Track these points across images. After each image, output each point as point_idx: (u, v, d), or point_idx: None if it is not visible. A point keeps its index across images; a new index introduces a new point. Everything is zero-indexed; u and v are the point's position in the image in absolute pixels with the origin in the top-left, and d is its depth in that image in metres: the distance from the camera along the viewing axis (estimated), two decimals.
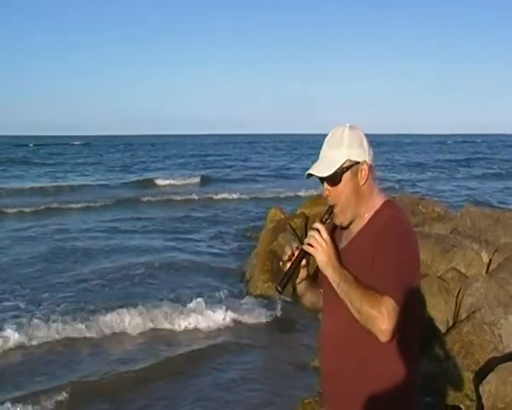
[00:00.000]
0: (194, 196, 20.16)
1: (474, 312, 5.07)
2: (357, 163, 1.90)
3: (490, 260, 6.36)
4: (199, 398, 5.10)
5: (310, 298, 2.14)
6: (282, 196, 20.03)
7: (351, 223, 1.95)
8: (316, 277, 2.08)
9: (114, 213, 16.29)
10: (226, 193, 20.93)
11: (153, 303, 7.28)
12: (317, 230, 1.88)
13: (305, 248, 1.90)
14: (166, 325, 6.86)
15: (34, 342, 6.28)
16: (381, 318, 1.69)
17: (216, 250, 11.19)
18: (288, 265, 1.95)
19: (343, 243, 1.98)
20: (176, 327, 6.85)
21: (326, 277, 1.87)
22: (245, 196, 20.30)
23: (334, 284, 1.82)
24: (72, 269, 9.53)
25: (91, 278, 8.83)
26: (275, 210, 10.09)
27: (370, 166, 1.93)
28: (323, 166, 1.91)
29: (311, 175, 1.94)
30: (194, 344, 6.36)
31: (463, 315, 5.33)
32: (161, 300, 7.49)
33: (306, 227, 9.08)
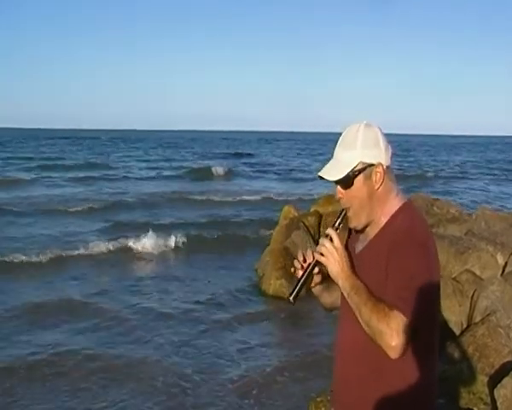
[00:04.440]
0: None
1: (488, 314, 5.01)
2: (372, 165, 1.78)
3: (505, 263, 6.27)
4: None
5: (327, 299, 2.06)
6: None
7: (366, 226, 1.85)
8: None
9: None
10: None
11: None
12: (330, 237, 1.81)
13: (317, 257, 1.82)
14: None
15: None
16: (390, 333, 1.62)
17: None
18: (300, 273, 1.88)
19: (359, 247, 1.88)
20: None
21: None
22: None
23: (345, 294, 1.76)
24: None
25: None
26: (288, 207, 10.08)
27: (387, 168, 1.80)
28: (334, 169, 1.80)
29: (322, 177, 1.83)
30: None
31: (478, 318, 5.26)
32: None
33: (320, 225, 9.02)
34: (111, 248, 10.12)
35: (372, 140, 1.78)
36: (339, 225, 1.86)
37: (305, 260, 1.88)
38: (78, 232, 11.79)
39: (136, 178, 24.31)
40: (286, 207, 10.19)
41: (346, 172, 1.77)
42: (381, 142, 1.79)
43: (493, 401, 4.19)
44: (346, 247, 1.85)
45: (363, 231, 1.87)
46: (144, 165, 32.03)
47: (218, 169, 26.71)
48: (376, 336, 1.65)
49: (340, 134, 1.85)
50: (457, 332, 5.35)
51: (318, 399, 4.49)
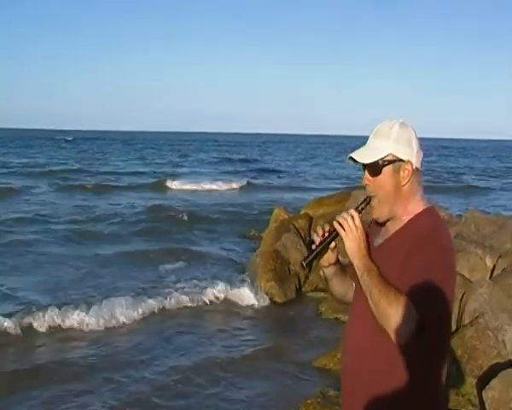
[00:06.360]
0: None
1: (477, 317, 5.04)
2: (401, 161, 1.82)
3: (494, 266, 6.35)
4: (200, 398, 5.04)
5: (337, 287, 2.07)
6: None
7: (387, 221, 1.89)
8: (347, 268, 2.01)
9: None
10: None
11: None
12: (351, 216, 1.84)
13: (336, 226, 1.84)
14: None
15: None
16: (397, 318, 1.66)
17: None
18: (317, 242, 1.90)
19: (377, 241, 1.92)
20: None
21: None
22: None
23: (358, 274, 1.80)
24: None
25: None
26: (279, 210, 10.04)
27: (416, 170, 1.84)
28: (365, 154, 1.85)
29: (352, 160, 1.87)
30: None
31: (466, 320, 5.29)
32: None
33: (310, 228, 9.05)
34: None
35: (405, 138, 1.83)
36: (362, 209, 1.88)
37: (323, 234, 1.90)
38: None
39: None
40: (276, 210, 10.15)
41: (376, 158, 1.82)
42: (414, 143, 1.84)
43: (482, 402, 4.25)
44: (367, 235, 1.87)
45: (383, 225, 1.91)
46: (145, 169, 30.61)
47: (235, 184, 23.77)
48: (383, 318, 1.69)
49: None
50: None
51: (309, 401, 4.53)
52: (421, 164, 1.87)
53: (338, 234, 1.85)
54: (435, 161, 45.36)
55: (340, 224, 1.84)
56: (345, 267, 2.04)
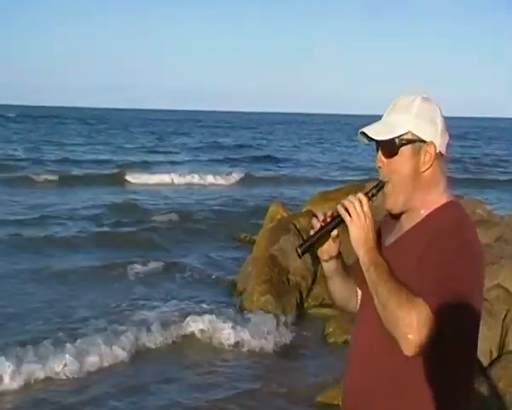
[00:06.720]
0: None
1: None
2: (423, 142, 1.80)
3: None
4: None
5: (338, 289, 2.09)
6: None
7: (402, 214, 1.89)
8: (351, 269, 2.05)
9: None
10: None
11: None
12: (359, 200, 1.83)
13: (341, 211, 1.84)
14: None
15: None
16: (409, 323, 1.64)
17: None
18: (317, 227, 1.90)
19: (389, 240, 1.93)
20: None
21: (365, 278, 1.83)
22: None
23: (364, 268, 1.81)
24: None
25: None
26: (276, 207, 10.13)
27: (440, 154, 1.83)
28: (380, 129, 1.84)
29: (365, 137, 1.87)
30: None
31: (511, 345, 5.36)
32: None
33: None
34: None
35: (429, 114, 1.83)
36: (372, 195, 1.89)
37: (325, 220, 1.92)
38: None
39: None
40: (273, 207, 10.26)
41: (392, 136, 1.81)
42: (439, 121, 1.84)
43: None
44: (378, 235, 1.89)
45: (397, 218, 1.93)
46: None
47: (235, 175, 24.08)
48: (392, 323, 1.69)
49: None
50: (485, 363, 5.35)
51: None
52: (447, 149, 1.85)
53: (342, 220, 1.84)
54: (476, 145, 45.47)
55: (345, 208, 1.83)
56: (348, 267, 2.07)
